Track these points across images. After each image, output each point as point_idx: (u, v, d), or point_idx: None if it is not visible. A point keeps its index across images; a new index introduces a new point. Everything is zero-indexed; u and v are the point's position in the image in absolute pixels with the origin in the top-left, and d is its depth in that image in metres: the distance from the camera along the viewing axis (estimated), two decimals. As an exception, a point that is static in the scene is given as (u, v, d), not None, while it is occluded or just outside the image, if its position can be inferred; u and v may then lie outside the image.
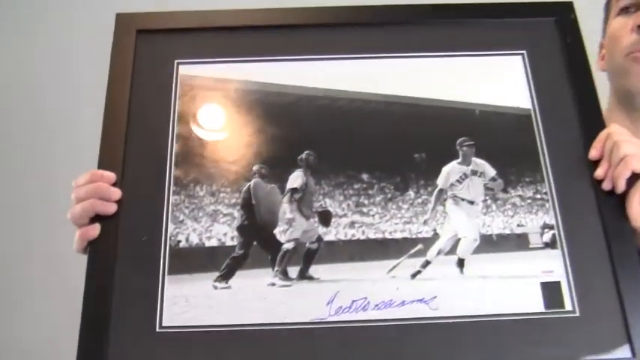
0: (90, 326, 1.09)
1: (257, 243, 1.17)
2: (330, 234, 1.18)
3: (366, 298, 1.12)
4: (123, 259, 1.14)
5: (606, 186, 1.16)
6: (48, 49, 2.44)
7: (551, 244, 1.16)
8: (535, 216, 1.18)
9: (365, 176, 1.21)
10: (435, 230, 1.19)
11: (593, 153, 1.18)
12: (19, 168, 2.31)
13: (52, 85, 2.37)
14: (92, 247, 1.14)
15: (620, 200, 1.15)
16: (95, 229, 1.14)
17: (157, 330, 1.10)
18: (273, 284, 1.14)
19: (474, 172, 1.22)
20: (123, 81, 1.26)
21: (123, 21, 1.31)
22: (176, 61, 1.28)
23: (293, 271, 1.15)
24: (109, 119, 1.23)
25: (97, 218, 1.15)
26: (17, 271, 2.19)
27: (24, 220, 2.22)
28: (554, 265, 1.14)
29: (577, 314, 1.11)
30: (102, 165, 1.19)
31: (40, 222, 2.16)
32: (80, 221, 1.15)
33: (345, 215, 1.19)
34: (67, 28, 2.45)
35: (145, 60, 1.28)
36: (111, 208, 1.15)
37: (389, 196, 1.21)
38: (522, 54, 1.29)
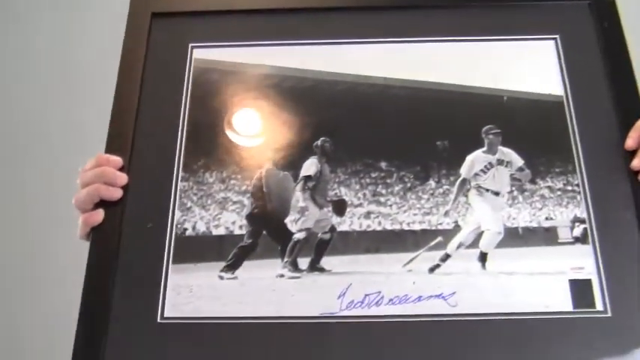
0: (89, 315, 1.04)
1: (267, 232, 1.12)
2: (344, 224, 1.11)
3: (379, 292, 1.05)
4: (126, 247, 1.09)
5: (642, 178, 1.08)
6: (60, 32, 2.43)
7: (581, 239, 1.08)
8: (565, 209, 1.10)
9: (383, 164, 1.15)
10: (456, 222, 1.11)
11: (630, 142, 1.10)
12: (22, 160, 2.31)
13: (62, 69, 2.36)
14: (95, 234, 1.10)
15: (658, 193, 1.07)
16: (99, 215, 1.10)
17: (158, 321, 1.04)
18: (282, 275, 1.08)
19: (500, 162, 1.14)
20: (135, 65, 1.21)
21: (138, 3, 1.27)
22: (190, 45, 1.23)
23: (304, 262, 1.09)
24: (119, 103, 1.19)
25: (101, 204, 1.11)
26: (18, 271, 2.19)
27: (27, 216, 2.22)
28: (584, 262, 1.06)
29: (609, 315, 1.02)
30: (109, 149, 1.15)
31: (44, 218, 2.15)
32: (84, 206, 1.11)
33: (360, 205, 1.13)
34: (81, 12, 2.43)
35: (159, 43, 1.24)
36: (116, 194, 1.11)
37: (408, 185, 1.14)
38: (555, 39, 1.21)
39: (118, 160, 1.13)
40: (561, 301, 1.04)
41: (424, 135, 1.15)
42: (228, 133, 1.17)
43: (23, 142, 2.31)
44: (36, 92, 2.35)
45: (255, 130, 1.17)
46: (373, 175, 1.14)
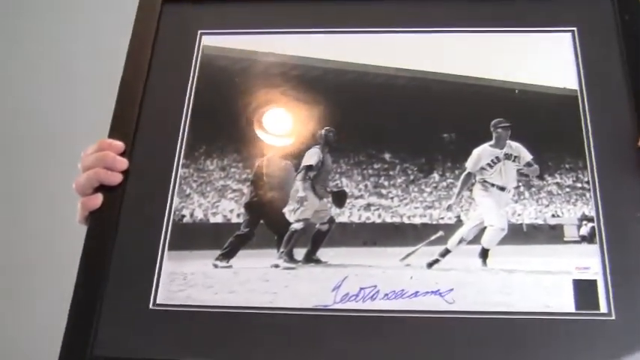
0: (82, 299, 1.04)
1: (264, 222, 1.10)
2: (344, 215, 1.09)
3: (375, 286, 1.02)
4: (123, 232, 1.08)
5: (656, 177, 1.03)
6: (71, 18, 2.45)
7: (588, 238, 1.04)
8: (573, 206, 1.06)
9: (387, 156, 1.12)
10: (458, 217, 1.08)
11: (643, 139, 1.05)
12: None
13: (74, 56, 2.37)
14: (92, 218, 1.09)
15: (671, 193, 1.02)
16: (97, 199, 1.09)
17: (150, 307, 1.03)
18: (276, 266, 1.06)
19: (508, 156, 1.11)
20: (143, 51, 1.20)
21: (148, -11, 1.26)
22: (199, 32, 1.22)
23: (300, 253, 1.07)
24: (125, 88, 1.18)
25: (101, 188, 1.10)
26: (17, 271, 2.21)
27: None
28: (590, 262, 1.02)
29: (613, 317, 0.98)
30: (112, 134, 1.14)
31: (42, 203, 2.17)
32: (84, 190, 1.10)
33: (361, 196, 1.10)
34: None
35: (168, 30, 1.23)
36: (115, 178, 1.10)
37: (411, 177, 1.11)
38: (573, 31, 1.17)
39: (119, 144, 1.12)
40: (563, 302, 0.99)
41: (431, 127, 1.12)
42: (231, 120, 1.16)
43: (37, 130, 2.35)
44: (43, 78, 2.37)
45: (260, 119, 1.16)
46: (376, 166, 1.12)
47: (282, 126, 1.15)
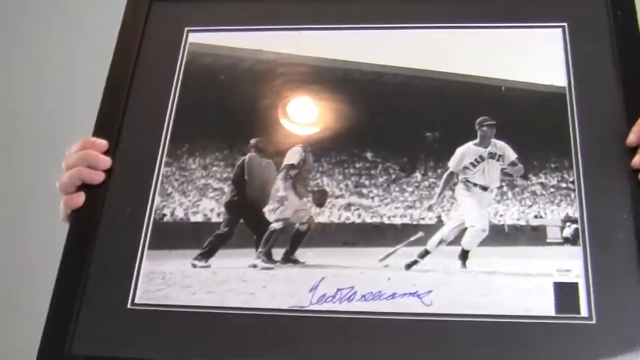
0: (61, 298, 1.04)
1: (244, 221, 1.09)
2: (323, 215, 1.08)
3: (353, 287, 1.01)
4: (104, 231, 1.08)
5: (643, 176, 1.00)
6: (61, 12, 2.45)
7: (571, 240, 1.01)
8: (557, 207, 1.04)
9: (369, 155, 1.10)
10: (439, 217, 1.06)
11: (632, 138, 1.02)
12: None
13: (74, 56, 2.38)
14: (74, 216, 1.09)
15: (658, 194, 0.99)
16: (79, 198, 1.09)
17: (128, 307, 1.03)
18: (254, 266, 1.05)
19: (492, 155, 1.08)
20: (130, 49, 1.20)
21: (137, -13, 1.26)
22: (186, 29, 1.22)
23: (278, 253, 1.06)
24: (111, 86, 1.18)
25: (84, 187, 1.11)
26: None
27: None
28: (572, 264, 0.99)
29: (593, 322, 0.95)
30: (96, 132, 1.14)
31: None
32: (66, 189, 1.11)
33: (341, 196, 1.09)
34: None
35: (156, 28, 1.23)
36: (98, 177, 1.10)
37: (393, 177, 1.09)
38: (563, 27, 1.14)
39: (103, 143, 1.12)
40: (543, 305, 0.97)
41: (414, 125, 1.11)
42: (214, 118, 1.15)
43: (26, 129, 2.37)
44: (32, 77, 2.39)
45: (243, 117, 1.15)
46: (358, 165, 1.10)
47: (264, 124, 1.14)
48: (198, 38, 1.21)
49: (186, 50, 1.20)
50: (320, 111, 1.14)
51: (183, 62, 1.19)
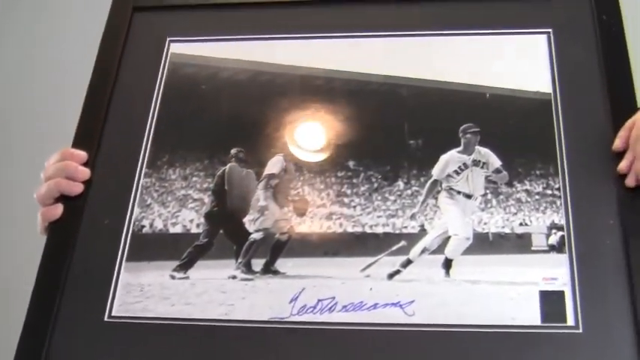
0: (37, 310, 1.02)
1: (223, 232, 1.07)
2: (304, 225, 1.06)
3: (334, 297, 0.99)
4: (82, 243, 1.06)
5: (629, 181, 0.98)
6: (43, 23, 2.45)
7: (557, 248, 0.99)
8: (542, 214, 1.01)
9: (351, 163, 1.08)
10: (422, 226, 1.04)
11: (618, 143, 1.00)
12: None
13: (44, 64, 2.37)
14: (52, 228, 1.08)
15: (645, 199, 0.97)
16: (57, 209, 1.07)
17: (105, 319, 1.01)
18: (234, 277, 1.03)
19: (476, 163, 1.06)
20: (111, 59, 1.20)
21: (120, -3, 1.25)
22: (168, 39, 1.21)
23: (258, 264, 1.04)
24: (91, 97, 1.18)
25: (62, 198, 1.09)
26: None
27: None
28: (558, 272, 0.97)
29: (580, 331, 0.93)
30: (76, 143, 1.13)
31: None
32: (44, 201, 1.09)
33: (323, 205, 1.07)
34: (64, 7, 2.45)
35: (138, 38, 1.22)
36: (76, 188, 1.08)
37: (375, 185, 1.07)
38: (548, 33, 1.12)
39: (82, 154, 1.11)
40: (529, 314, 0.95)
41: (397, 133, 1.09)
42: (194, 129, 1.14)
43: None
44: (10, 87, 2.38)
45: (224, 127, 1.14)
46: (340, 174, 1.08)
47: (244, 134, 1.12)
48: (179, 48, 1.20)
49: (167, 60, 1.19)
50: (302, 120, 1.12)
51: (165, 72, 1.18)
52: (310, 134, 1.11)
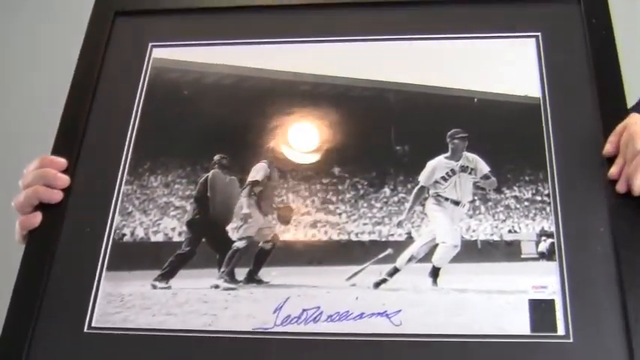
0: (15, 322, 0.99)
1: (206, 240, 1.05)
2: (288, 233, 1.03)
3: (319, 307, 0.96)
4: (62, 252, 1.04)
5: (620, 187, 0.96)
6: (24, 28, 2.42)
7: (547, 255, 0.97)
8: (532, 221, 0.99)
9: (336, 170, 1.06)
10: (409, 233, 1.02)
11: (608, 148, 0.98)
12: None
13: (25, 66, 2.35)
14: (30, 237, 1.05)
15: (636, 205, 0.95)
16: (36, 218, 1.05)
17: (85, 331, 0.98)
18: (217, 286, 1.01)
19: (464, 169, 1.04)
20: (92, 64, 1.17)
21: (101, 2, 1.23)
22: (150, 44, 1.18)
23: (242, 273, 1.01)
24: (72, 103, 1.15)
25: (41, 206, 1.06)
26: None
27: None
28: (548, 280, 0.95)
29: (570, 340, 0.91)
30: (55, 150, 1.11)
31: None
32: (23, 209, 1.06)
33: (308, 213, 1.04)
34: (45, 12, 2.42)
35: (120, 43, 1.20)
36: (55, 196, 1.06)
37: (361, 192, 1.05)
38: (537, 36, 1.11)
39: (61, 161, 1.08)
40: (518, 324, 0.93)
41: (384, 139, 1.07)
42: (176, 135, 1.11)
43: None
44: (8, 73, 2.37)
45: (207, 133, 1.11)
46: (325, 180, 1.06)
47: (228, 140, 1.10)
48: (162, 53, 1.18)
49: (149, 66, 1.16)
50: (286, 126, 1.10)
51: (147, 78, 1.15)
52: (295, 140, 1.09)
